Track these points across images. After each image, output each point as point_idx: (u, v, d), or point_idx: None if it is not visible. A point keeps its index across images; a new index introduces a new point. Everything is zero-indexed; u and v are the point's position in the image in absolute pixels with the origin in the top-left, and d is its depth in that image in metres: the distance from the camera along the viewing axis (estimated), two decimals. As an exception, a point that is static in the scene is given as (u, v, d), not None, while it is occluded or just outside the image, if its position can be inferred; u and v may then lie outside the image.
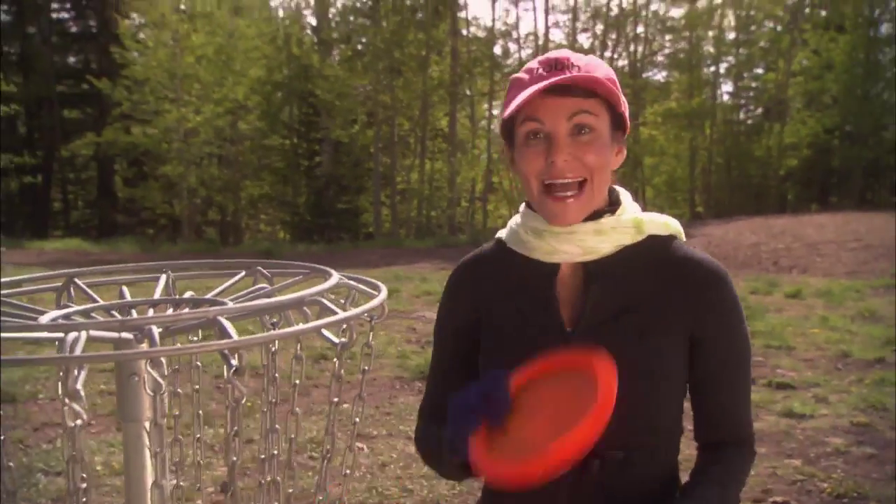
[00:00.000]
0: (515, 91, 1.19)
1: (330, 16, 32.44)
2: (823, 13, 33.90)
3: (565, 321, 1.22)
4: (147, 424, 1.05)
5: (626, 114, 1.23)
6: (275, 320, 1.17)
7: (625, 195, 1.29)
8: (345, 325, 1.07)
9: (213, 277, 1.47)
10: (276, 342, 1.09)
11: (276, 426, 1.19)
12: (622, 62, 32.71)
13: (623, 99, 1.21)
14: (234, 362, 0.89)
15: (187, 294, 1.28)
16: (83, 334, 0.88)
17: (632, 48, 32.76)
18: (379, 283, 1.24)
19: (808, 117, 32.51)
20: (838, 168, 33.24)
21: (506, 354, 1.23)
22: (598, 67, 1.19)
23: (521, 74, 1.21)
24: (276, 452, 1.19)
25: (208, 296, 1.23)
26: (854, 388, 5.91)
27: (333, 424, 1.16)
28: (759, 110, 35.80)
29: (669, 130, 34.19)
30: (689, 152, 34.29)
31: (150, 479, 1.07)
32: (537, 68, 1.19)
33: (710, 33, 33.73)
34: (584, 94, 1.15)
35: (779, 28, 33.77)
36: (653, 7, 33.16)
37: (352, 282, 1.26)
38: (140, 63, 27.31)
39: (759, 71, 35.27)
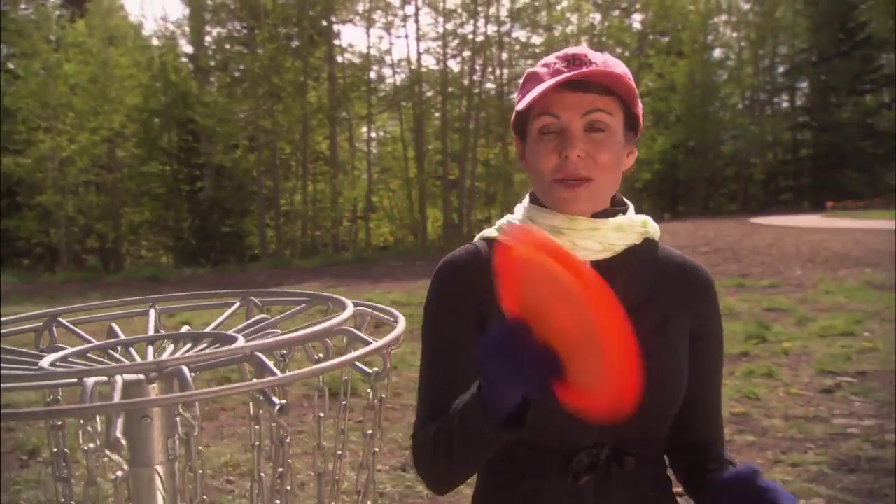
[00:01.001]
0: (531, 84, 1.17)
1: (206, 43, 32.91)
2: (666, 40, 37.44)
3: None
4: (159, 469, 0.98)
5: (640, 114, 1.21)
6: (285, 351, 1.15)
7: (624, 197, 1.27)
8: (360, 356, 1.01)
9: (185, 310, 1.42)
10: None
11: (289, 461, 1.16)
12: (489, 86, 34.92)
13: (637, 98, 1.19)
14: (276, 400, 0.85)
15: (184, 328, 1.22)
16: (119, 379, 0.83)
17: (497, 73, 34.98)
18: (394, 311, 1.20)
19: (658, 134, 35.84)
20: (684, 180, 36.82)
21: None
22: (616, 65, 1.17)
23: (538, 69, 1.19)
24: (289, 488, 1.17)
25: (207, 329, 1.18)
26: (727, 381, 6.08)
27: (371, 458, 1.10)
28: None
29: (536, 148, 36.63)
30: (554, 168, 36.80)
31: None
32: (554, 63, 1.16)
33: (568, 58, 36.46)
34: (601, 90, 1.13)
35: (627, 53, 36.99)
36: (515, 34, 35.51)
37: (368, 309, 1.22)
38: (10, 93, 26.88)
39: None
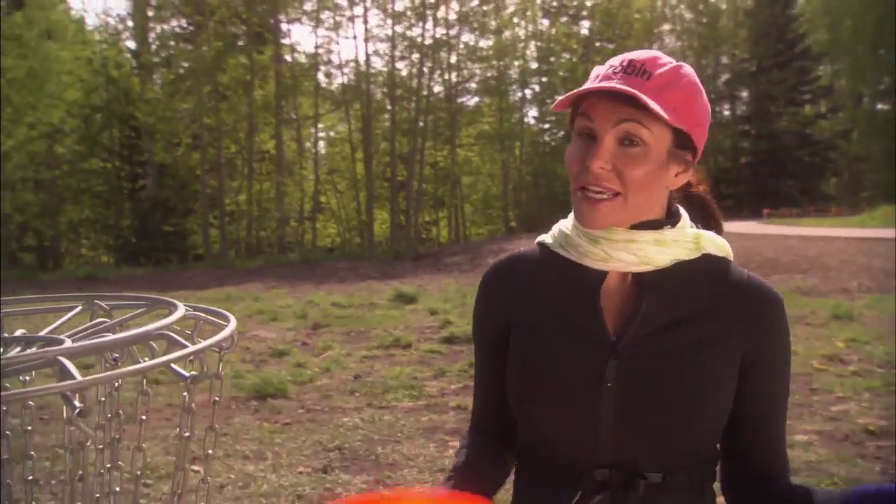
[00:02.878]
0: (587, 82, 1.10)
1: (150, 40, 32.31)
2: (611, 46, 38.05)
3: (610, 331, 1.13)
4: None
5: (699, 135, 1.10)
6: (117, 355, 1.13)
7: (682, 211, 1.19)
8: (192, 358, 1.01)
9: (47, 312, 1.39)
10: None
11: (120, 462, 1.14)
12: (438, 88, 35.03)
13: (702, 113, 1.09)
14: (77, 403, 0.83)
15: (18, 332, 1.18)
16: None
17: (446, 76, 35.11)
18: (227, 314, 1.19)
19: (603, 139, 36.43)
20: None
21: (542, 363, 1.14)
22: (675, 80, 1.07)
23: (598, 67, 1.12)
24: (118, 489, 1.13)
25: (42, 333, 1.15)
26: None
27: (185, 459, 1.08)
28: (561, 133, 39.44)
29: (484, 151, 36.96)
30: (502, 171, 37.18)
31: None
32: (613, 66, 1.08)
33: (516, 63, 36.90)
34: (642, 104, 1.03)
35: (574, 59, 37.53)
36: (464, 38, 35.70)
37: (199, 313, 1.23)
38: (-56, 85, 26.09)
39: (560, 97, 38.95)
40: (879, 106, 46.25)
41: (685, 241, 1.13)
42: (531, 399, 1.15)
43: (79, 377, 0.84)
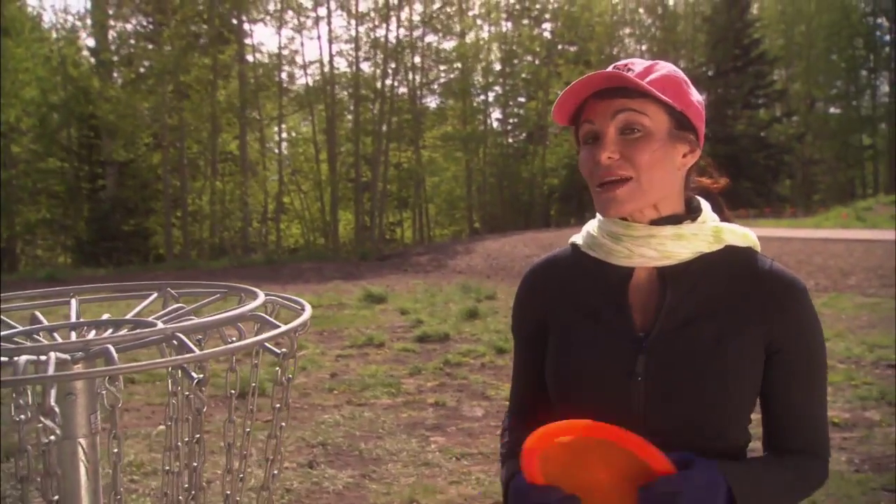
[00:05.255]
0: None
1: (109, 38, 31.81)
2: (573, 49, 38.54)
3: (637, 326, 1.20)
4: (83, 441, 1.04)
5: (694, 113, 1.19)
6: (199, 337, 1.21)
7: (705, 204, 1.26)
8: (270, 338, 1.07)
9: (103, 301, 1.47)
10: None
11: (199, 434, 1.23)
12: (402, 89, 35.08)
13: (692, 99, 1.19)
14: (195, 374, 0.92)
15: (104, 317, 1.27)
16: (53, 355, 0.94)
17: (410, 77, 35.19)
18: (303, 301, 1.27)
19: (564, 141, 36.81)
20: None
21: (574, 358, 1.23)
22: (656, 70, 1.17)
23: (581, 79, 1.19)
24: (203, 460, 1.22)
25: (126, 317, 1.24)
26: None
27: (277, 427, 1.19)
28: (524, 135, 39.81)
29: (447, 153, 37.14)
30: (466, 173, 37.38)
31: (84, 495, 1.06)
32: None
33: (479, 65, 37.14)
34: (635, 93, 1.14)
35: (537, 62, 37.89)
36: (427, 39, 35.82)
37: (278, 298, 1.31)
38: None
39: (522, 100, 39.34)
40: (832, 110, 47.57)
41: (704, 234, 1.20)
42: (568, 395, 1.23)
43: (197, 351, 0.93)
